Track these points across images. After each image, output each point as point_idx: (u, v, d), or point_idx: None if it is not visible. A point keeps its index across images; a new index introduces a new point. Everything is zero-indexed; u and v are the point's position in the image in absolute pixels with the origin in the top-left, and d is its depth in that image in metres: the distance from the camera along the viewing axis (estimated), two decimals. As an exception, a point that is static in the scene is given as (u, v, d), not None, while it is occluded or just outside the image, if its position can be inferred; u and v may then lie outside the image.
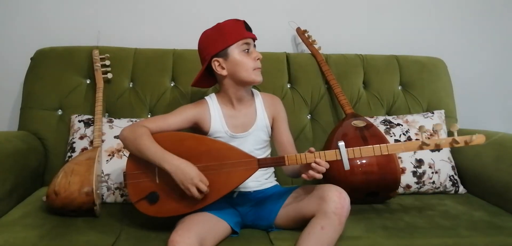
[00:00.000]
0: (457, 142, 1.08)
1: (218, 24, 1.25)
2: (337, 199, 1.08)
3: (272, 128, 1.33)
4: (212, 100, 1.29)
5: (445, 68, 1.87)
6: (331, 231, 1.07)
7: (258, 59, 1.23)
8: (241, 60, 1.22)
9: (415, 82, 1.81)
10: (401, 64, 1.83)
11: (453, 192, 1.56)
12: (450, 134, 1.09)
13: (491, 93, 2.10)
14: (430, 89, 1.80)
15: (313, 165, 1.09)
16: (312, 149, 1.10)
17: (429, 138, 1.11)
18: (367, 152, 1.10)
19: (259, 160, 1.13)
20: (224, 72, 1.23)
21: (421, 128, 1.10)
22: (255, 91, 1.35)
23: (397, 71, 1.82)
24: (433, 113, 1.68)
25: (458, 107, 1.84)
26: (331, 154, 1.09)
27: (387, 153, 1.10)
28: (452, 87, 1.85)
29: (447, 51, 1.95)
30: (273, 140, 1.33)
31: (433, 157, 1.54)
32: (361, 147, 1.10)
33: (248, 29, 1.25)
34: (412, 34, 2.02)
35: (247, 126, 1.27)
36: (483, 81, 2.09)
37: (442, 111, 1.72)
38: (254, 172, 1.13)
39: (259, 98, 1.33)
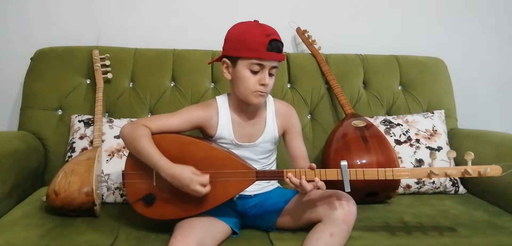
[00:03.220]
0: (469, 173, 1.02)
1: (245, 28, 1.12)
2: (346, 207, 1.08)
3: (284, 139, 1.28)
4: (223, 103, 1.22)
5: (445, 68, 1.87)
6: (339, 238, 1.07)
7: (262, 84, 1.12)
8: (244, 76, 1.12)
9: (415, 82, 1.81)
10: (401, 64, 1.83)
11: (453, 192, 1.56)
12: (462, 160, 1.04)
13: (491, 93, 2.10)
14: (430, 89, 1.80)
15: (303, 182, 1.05)
16: (313, 165, 1.07)
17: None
18: (370, 175, 1.06)
19: (257, 172, 1.12)
20: (228, 77, 1.17)
21: (432, 155, 1.06)
22: (269, 97, 1.26)
23: (397, 71, 1.82)
24: (433, 113, 1.68)
25: (458, 107, 1.84)
26: (332, 173, 1.07)
27: (392, 177, 1.06)
28: (452, 87, 1.85)
29: (447, 51, 1.95)
30: (286, 151, 1.29)
31: (433, 157, 1.54)
32: (364, 169, 1.07)
33: (274, 49, 1.10)
34: (412, 34, 2.02)
35: (254, 137, 1.22)
36: (483, 81, 2.09)
37: (442, 111, 1.72)
38: (251, 184, 1.12)
39: (271, 107, 1.25)
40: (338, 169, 1.06)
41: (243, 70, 1.12)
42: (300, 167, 1.13)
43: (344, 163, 1.05)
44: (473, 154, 1.02)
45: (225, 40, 1.17)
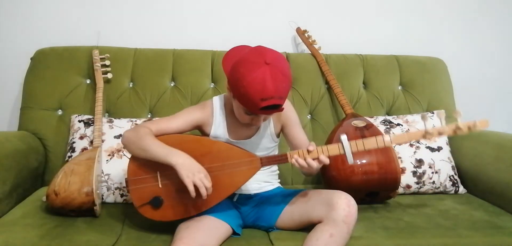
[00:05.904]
0: (460, 129, 1.06)
1: (247, 83, 1.03)
2: (346, 207, 1.08)
3: (284, 133, 1.28)
4: (219, 104, 1.23)
5: (445, 68, 1.87)
6: (339, 239, 1.07)
7: (253, 124, 1.15)
8: (239, 111, 1.13)
9: (415, 82, 1.81)
10: (401, 64, 1.83)
11: (453, 192, 1.56)
12: (452, 120, 1.09)
13: (491, 93, 2.10)
14: (430, 89, 1.80)
15: (309, 161, 1.07)
16: (313, 144, 1.09)
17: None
18: (370, 144, 1.09)
19: (261, 158, 1.12)
20: (230, 94, 1.16)
21: (423, 117, 1.10)
22: None
23: (397, 71, 1.83)
24: (433, 113, 1.68)
25: (458, 107, 1.84)
26: (334, 149, 1.08)
27: (390, 144, 1.09)
28: (452, 87, 1.85)
29: (447, 51, 1.95)
30: (288, 145, 1.29)
31: (433, 157, 1.54)
32: (363, 139, 1.08)
33: (269, 109, 1.05)
34: (412, 34, 2.02)
35: (249, 134, 1.23)
36: (483, 81, 2.09)
37: (442, 111, 1.71)
38: (257, 171, 1.12)
39: None
40: (339, 143, 1.07)
41: (239, 107, 1.12)
42: None
43: (343, 136, 1.07)
44: (461, 112, 1.07)
45: (228, 71, 1.12)
